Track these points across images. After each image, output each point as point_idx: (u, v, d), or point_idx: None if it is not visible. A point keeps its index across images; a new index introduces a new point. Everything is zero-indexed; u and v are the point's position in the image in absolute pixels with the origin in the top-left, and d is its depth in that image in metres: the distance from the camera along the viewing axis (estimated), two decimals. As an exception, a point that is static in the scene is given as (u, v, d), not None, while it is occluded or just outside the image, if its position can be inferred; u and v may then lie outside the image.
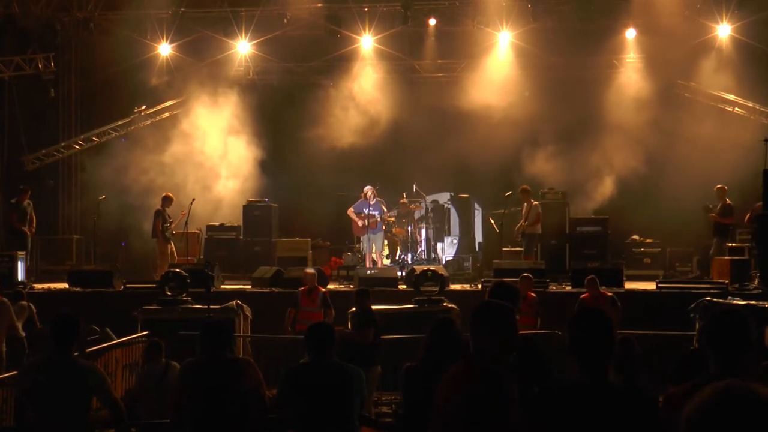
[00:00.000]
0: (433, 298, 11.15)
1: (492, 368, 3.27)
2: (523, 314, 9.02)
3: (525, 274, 10.03)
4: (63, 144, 17.57)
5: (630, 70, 16.64)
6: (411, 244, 15.58)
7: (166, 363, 7.34)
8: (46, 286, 13.72)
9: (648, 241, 15.88)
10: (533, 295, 10.00)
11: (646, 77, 16.13)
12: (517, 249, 14.37)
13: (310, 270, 10.98)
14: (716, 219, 13.32)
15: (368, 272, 13.33)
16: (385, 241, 15.35)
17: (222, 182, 16.58)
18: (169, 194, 14.81)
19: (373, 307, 9.21)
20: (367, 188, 14.68)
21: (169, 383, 6.96)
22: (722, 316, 3.04)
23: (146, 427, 6.55)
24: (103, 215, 15.19)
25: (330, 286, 12.82)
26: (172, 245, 14.71)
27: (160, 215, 14.50)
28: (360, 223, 14.62)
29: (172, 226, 14.53)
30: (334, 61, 17.35)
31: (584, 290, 10.22)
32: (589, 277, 10.07)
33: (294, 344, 9.01)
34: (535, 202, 13.91)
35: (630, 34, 16.47)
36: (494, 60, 16.86)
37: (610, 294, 10.19)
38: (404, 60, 17.48)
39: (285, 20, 16.48)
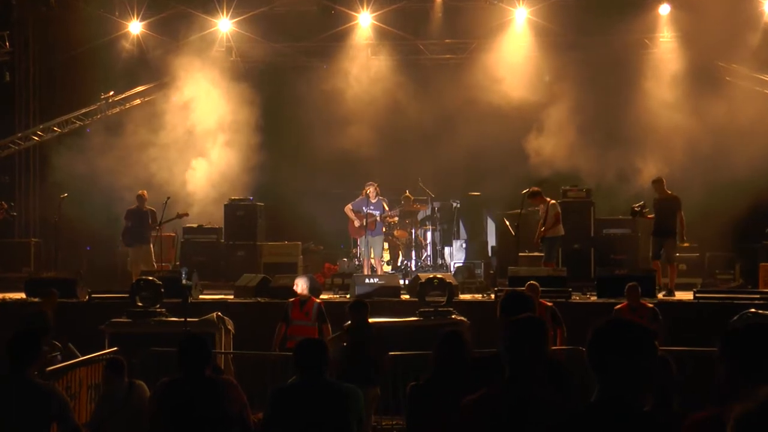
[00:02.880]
0: (440, 309, 11.15)
1: (537, 393, 3.25)
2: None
3: (530, 282, 10.04)
4: (20, 135, 17.57)
5: (664, 51, 16.64)
6: (415, 248, 15.57)
7: (129, 383, 7.32)
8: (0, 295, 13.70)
9: (684, 245, 15.86)
10: (549, 304, 10.00)
11: (682, 59, 16.13)
12: (536, 254, 14.34)
13: (303, 278, 10.96)
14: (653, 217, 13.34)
15: (366, 280, 13.32)
16: (386, 245, 15.35)
17: (200, 178, 16.58)
18: (143, 192, 14.81)
19: (373, 319, 9.20)
20: (369, 185, 14.66)
21: (134, 405, 6.96)
22: (739, 330, 3.01)
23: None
24: (65, 216, 15.18)
25: (323, 296, 12.80)
26: (151, 248, 14.69)
27: (129, 216, 14.52)
28: (357, 223, 14.62)
29: (158, 227, 14.48)
30: (328, 41, 17.36)
31: (617, 300, 10.22)
32: (630, 284, 10.04)
33: (282, 362, 9.00)
34: (552, 201, 13.84)
35: (664, 9, 16.48)
36: (509, 40, 16.86)
37: (650, 305, 10.14)
38: (408, 40, 17.48)
39: (272, -6, 16.51)
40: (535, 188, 13.81)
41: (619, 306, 10.04)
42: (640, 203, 13.63)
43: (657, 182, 13.47)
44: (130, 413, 6.92)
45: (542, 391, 3.28)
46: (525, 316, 3.57)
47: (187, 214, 15.10)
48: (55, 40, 17.33)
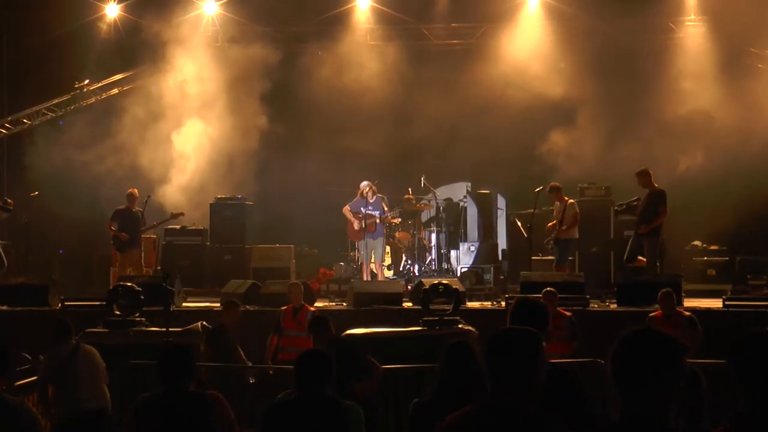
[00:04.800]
0: (445, 318, 11.12)
1: (524, 410, 3.24)
2: (554, 339, 9.01)
3: (547, 288, 10.06)
4: (-14, 128, 17.59)
5: (690, 36, 16.63)
6: (418, 252, 15.57)
7: (75, 344, 7.53)
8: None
9: (713, 248, 15.85)
10: (567, 313, 10.01)
11: (711, 44, 16.12)
12: (550, 258, 14.35)
13: (296, 283, 10.96)
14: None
15: (365, 286, 13.33)
16: (387, 248, 15.36)
17: (183, 175, 16.57)
18: (133, 191, 14.76)
19: (373, 329, 9.18)
20: (365, 184, 14.66)
21: (80, 366, 7.37)
22: (749, 338, 3.02)
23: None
24: (36, 216, 15.17)
25: (318, 304, 12.80)
26: (141, 253, 14.66)
27: (117, 217, 14.48)
28: (356, 225, 14.62)
29: (144, 229, 14.51)
30: (323, 24, 17.36)
31: (639, 309, 10.22)
32: (663, 290, 10.05)
33: (274, 376, 8.99)
34: (571, 200, 13.87)
35: (690, -10, 16.52)
36: (521, 24, 16.86)
37: (687, 313, 10.17)
38: (410, 24, 17.48)
39: (262, -26, 16.53)
40: (556, 183, 13.86)
41: (653, 314, 10.04)
42: (619, 203, 13.59)
43: (641, 174, 13.34)
44: (74, 373, 7.34)
45: (529, 408, 3.28)
46: (512, 327, 3.56)
47: (182, 214, 15.12)
48: (26, 25, 17.32)
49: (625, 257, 13.51)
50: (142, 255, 14.73)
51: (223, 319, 10.03)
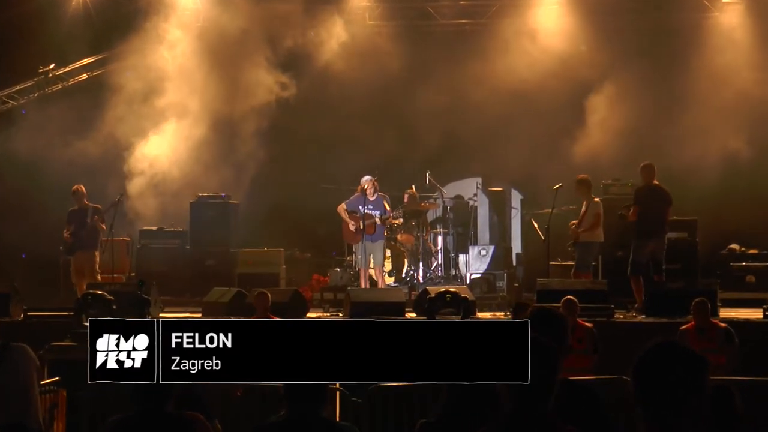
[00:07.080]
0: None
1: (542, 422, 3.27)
2: (574, 353, 9.03)
3: (567, 297, 10.07)
4: (-61, 118, 17.60)
5: (728, 15, 16.63)
6: (423, 256, 15.57)
7: (2, 344, 7.30)
8: None
9: (752, 251, 15.85)
10: (589, 325, 10.03)
11: (751, 24, 16.13)
12: (570, 263, 14.34)
13: (263, 292, 10.86)
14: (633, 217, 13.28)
15: (364, 294, 13.34)
16: (388, 252, 15.36)
17: (162, 170, 16.57)
18: (78, 187, 14.67)
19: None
20: (366, 179, 14.64)
21: (8, 371, 6.99)
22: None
23: None
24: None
25: (311, 314, 12.81)
26: (96, 255, 14.63)
27: (71, 219, 14.46)
28: (352, 226, 14.62)
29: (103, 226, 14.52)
30: (316, 3, 17.35)
31: (669, 319, 10.23)
32: (698, 300, 10.07)
33: (261, 394, 8.99)
34: (596, 199, 13.83)
35: (726, -36, 16.55)
36: (539, 1, 16.87)
37: (723, 325, 10.20)
38: (414, 2, 17.49)
39: (248, -55, 16.54)
40: (584, 176, 13.73)
41: (685, 326, 10.05)
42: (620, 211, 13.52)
43: (645, 168, 13.20)
44: (1, 378, 6.97)
45: (551, 428, 3.31)
46: (539, 339, 3.59)
47: (121, 194, 14.92)
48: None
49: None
50: (99, 259, 14.53)
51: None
